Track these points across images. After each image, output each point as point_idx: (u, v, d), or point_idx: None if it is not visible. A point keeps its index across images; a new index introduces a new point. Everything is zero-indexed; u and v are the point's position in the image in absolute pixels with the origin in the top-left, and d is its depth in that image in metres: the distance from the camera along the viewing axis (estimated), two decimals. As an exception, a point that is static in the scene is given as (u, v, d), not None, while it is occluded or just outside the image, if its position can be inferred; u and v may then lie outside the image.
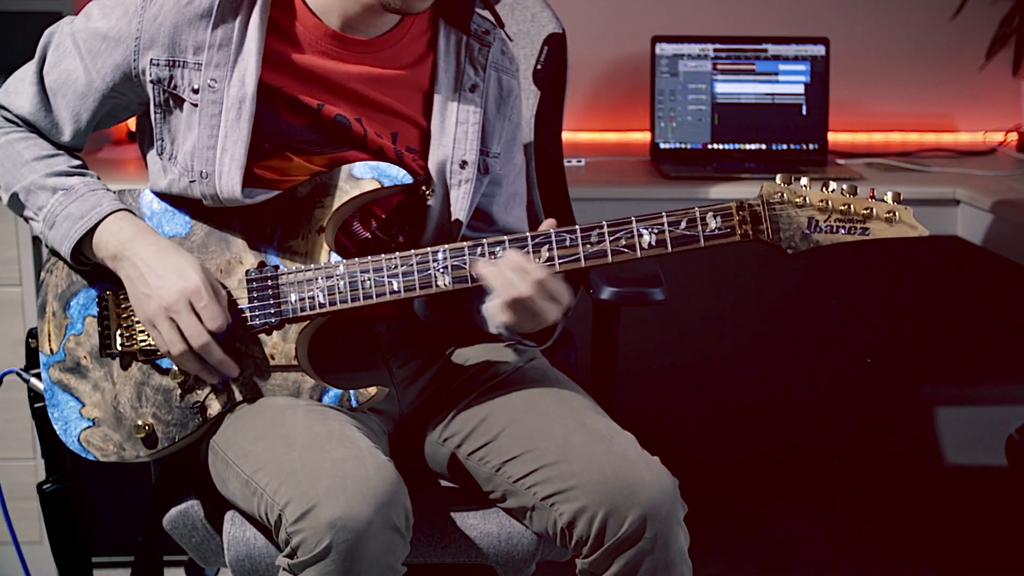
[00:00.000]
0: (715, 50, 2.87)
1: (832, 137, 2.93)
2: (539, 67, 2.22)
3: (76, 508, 1.90)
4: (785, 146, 2.87)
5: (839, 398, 3.32)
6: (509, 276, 1.62)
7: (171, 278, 1.65)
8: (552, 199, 2.21)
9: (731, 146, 2.88)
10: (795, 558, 2.85)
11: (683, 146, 2.88)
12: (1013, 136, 3.03)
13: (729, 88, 2.87)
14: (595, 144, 3.05)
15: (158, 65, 1.70)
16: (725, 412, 3.30)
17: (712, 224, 1.63)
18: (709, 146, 2.87)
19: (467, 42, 1.80)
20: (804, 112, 2.87)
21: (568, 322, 2.18)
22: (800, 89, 2.87)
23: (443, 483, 1.84)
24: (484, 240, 1.66)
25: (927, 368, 3.32)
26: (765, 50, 2.87)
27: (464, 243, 1.66)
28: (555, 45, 2.22)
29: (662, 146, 2.88)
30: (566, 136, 2.31)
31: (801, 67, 2.87)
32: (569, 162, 2.69)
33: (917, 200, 2.59)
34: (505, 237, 1.66)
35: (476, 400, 1.77)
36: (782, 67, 2.87)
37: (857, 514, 3.06)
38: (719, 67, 2.87)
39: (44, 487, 1.88)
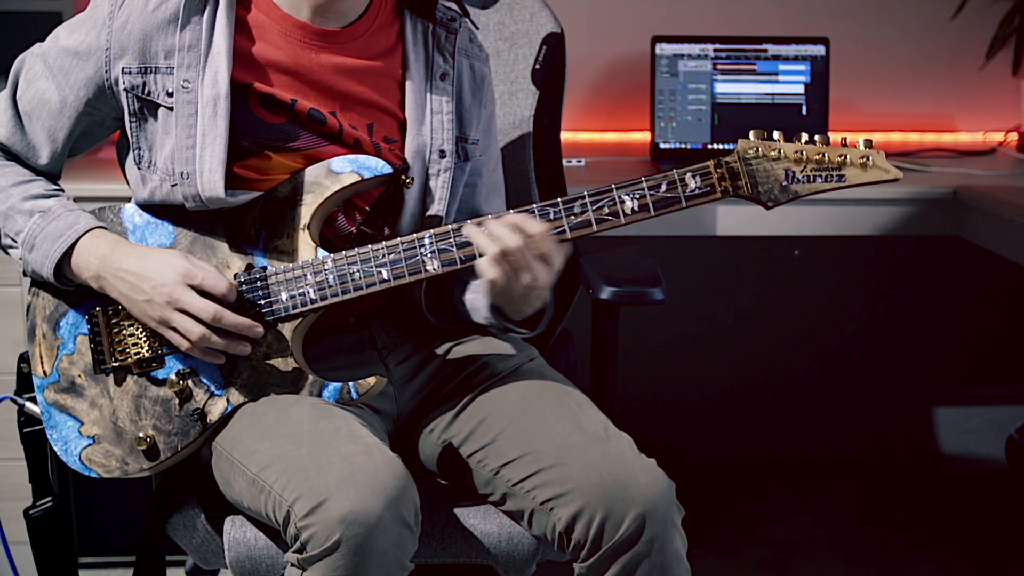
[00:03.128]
0: (715, 50, 2.86)
1: (832, 137, 2.92)
2: (537, 67, 2.22)
3: (64, 533, 1.87)
4: (785, 146, 2.86)
5: (839, 397, 3.32)
6: (500, 231, 1.61)
7: (160, 273, 1.66)
8: (550, 199, 2.20)
9: (731, 146, 2.84)
10: (795, 558, 2.85)
11: (683, 146, 2.88)
12: (1013, 136, 3.03)
13: (729, 88, 2.87)
14: (595, 144, 3.05)
15: (130, 73, 1.71)
16: (725, 412, 3.30)
17: (692, 184, 1.65)
18: (709, 146, 2.87)
19: (433, 30, 1.81)
20: (804, 112, 2.87)
21: (567, 321, 2.19)
22: (800, 89, 2.87)
23: (441, 482, 1.83)
24: (467, 221, 1.66)
25: (927, 368, 3.32)
26: (765, 50, 2.87)
27: (448, 226, 1.67)
28: (553, 45, 2.22)
29: (662, 146, 2.88)
30: (566, 136, 2.31)
31: (801, 67, 2.87)
32: (569, 162, 2.69)
33: (917, 200, 2.61)
34: (488, 216, 1.65)
35: (474, 401, 1.77)
36: (782, 67, 2.87)
37: (857, 514, 3.06)
38: (719, 67, 2.87)
39: (31, 512, 1.85)
